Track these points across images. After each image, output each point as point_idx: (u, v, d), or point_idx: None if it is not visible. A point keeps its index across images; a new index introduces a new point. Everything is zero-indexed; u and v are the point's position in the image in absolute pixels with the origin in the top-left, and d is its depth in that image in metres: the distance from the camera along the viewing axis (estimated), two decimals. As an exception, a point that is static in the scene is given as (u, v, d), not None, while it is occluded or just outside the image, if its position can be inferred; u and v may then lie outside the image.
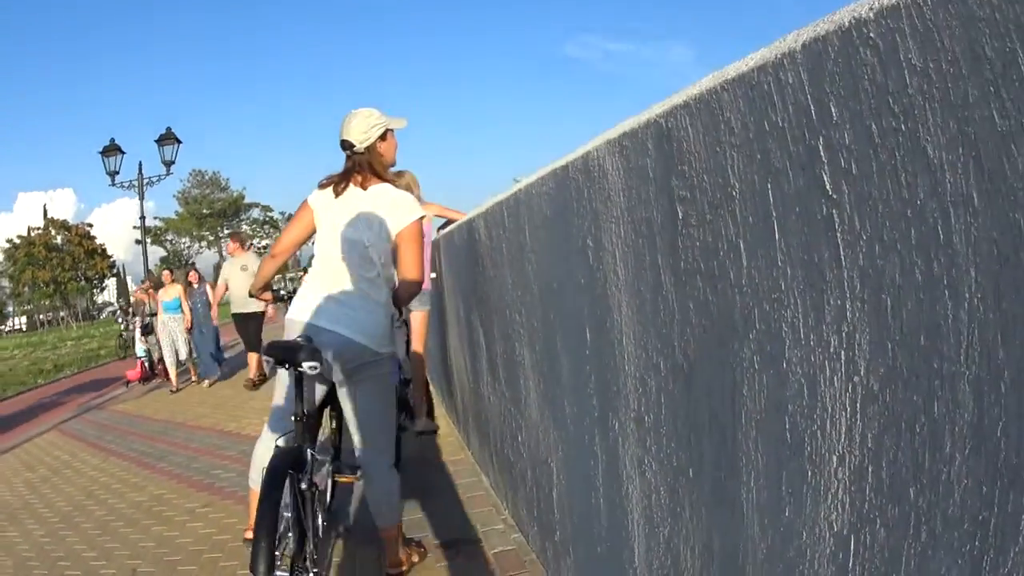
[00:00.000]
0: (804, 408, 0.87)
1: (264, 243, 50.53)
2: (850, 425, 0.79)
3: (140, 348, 10.39)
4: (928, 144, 0.72)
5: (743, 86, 0.96)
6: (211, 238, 60.06)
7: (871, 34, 0.77)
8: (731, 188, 1.00)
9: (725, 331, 1.04)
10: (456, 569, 2.81)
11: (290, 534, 2.31)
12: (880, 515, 0.76)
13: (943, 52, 0.70)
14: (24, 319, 63.67)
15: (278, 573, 2.13)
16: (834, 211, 0.81)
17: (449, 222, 4.55)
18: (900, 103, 0.75)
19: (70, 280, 53.45)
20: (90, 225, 58.04)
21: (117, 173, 14.10)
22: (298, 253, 4.59)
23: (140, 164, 14.45)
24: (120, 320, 15.37)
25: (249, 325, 8.28)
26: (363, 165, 2.60)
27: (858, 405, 0.78)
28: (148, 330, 10.04)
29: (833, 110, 0.82)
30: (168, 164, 14.28)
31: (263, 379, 8.28)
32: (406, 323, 4.57)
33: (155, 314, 9.50)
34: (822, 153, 0.83)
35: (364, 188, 2.57)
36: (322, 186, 2.68)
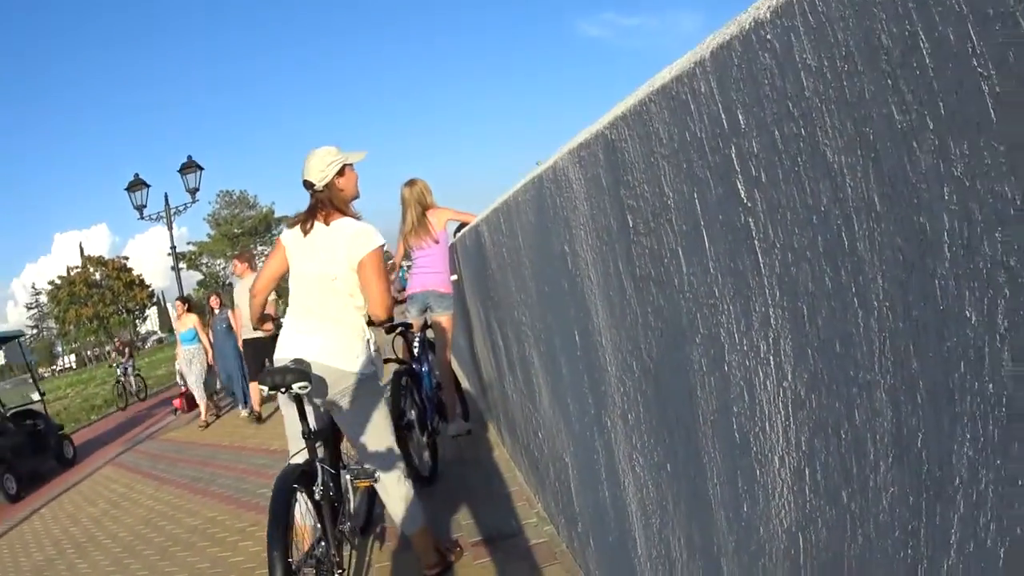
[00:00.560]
0: (746, 410, 0.88)
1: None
2: (785, 427, 0.81)
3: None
4: (827, 148, 0.69)
5: (665, 97, 0.97)
6: (246, 257, 61.04)
7: (768, 36, 0.74)
8: (666, 197, 1.01)
9: (677, 335, 1.06)
10: (496, 563, 2.88)
11: (322, 543, 2.51)
12: (820, 516, 0.77)
13: (837, 48, 0.66)
14: (73, 357, 65.45)
15: None
16: (750, 219, 0.82)
17: (463, 225, 4.59)
18: (799, 107, 0.72)
19: (112, 314, 54.43)
20: (126, 258, 59.16)
21: (145, 207, 14.26)
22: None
23: (166, 196, 14.55)
24: (116, 365, 14.82)
25: (258, 351, 7.30)
26: (324, 202, 2.70)
27: (790, 409, 0.79)
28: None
29: (740, 118, 0.81)
30: (193, 192, 14.49)
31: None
32: (427, 325, 4.65)
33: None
34: (735, 162, 0.83)
35: (327, 224, 2.68)
36: (290, 224, 2.81)
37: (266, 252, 9.13)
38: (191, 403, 10.02)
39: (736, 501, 0.97)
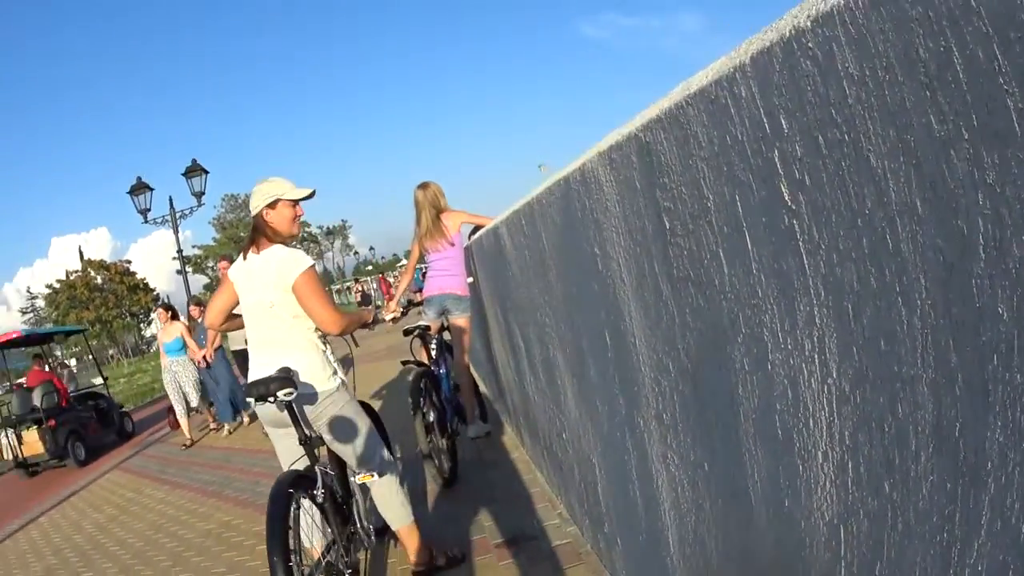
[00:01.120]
0: (790, 407, 0.91)
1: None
2: (829, 423, 0.83)
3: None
4: (871, 154, 0.73)
5: (704, 100, 1.00)
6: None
7: (810, 44, 0.77)
8: (706, 200, 1.04)
9: (718, 335, 1.09)
10: (520, 565, 2.91)
11: (333, 548, 2.56)
12: (862, 507, 0.80)
13: (878, 59, 0.70)
14: (74, 361, 65.29)
15: None
16: (795, 222, 0.84)
17: (478, 227, 4.63)
18: (842, 114, 0.76)
19: (115, 318, 54.30)
20: (128, 262, 58.95)
21: (148, 210, 14.16)
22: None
23: (171, 199, 14.39)
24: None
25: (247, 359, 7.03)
26: (258, 231, 2.79)
27: (834, 405, 0.82)
28: None
29: (783, 123, 0.84)
30: (198, 195, 14.41)
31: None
32: (445, 327, 4.69)
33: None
34: (779, 166, 0.86)
35: (258, 252, 2.77)
36: (238, 255, 2.92)
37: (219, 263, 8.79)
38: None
39: (777, 497, 1.00)
